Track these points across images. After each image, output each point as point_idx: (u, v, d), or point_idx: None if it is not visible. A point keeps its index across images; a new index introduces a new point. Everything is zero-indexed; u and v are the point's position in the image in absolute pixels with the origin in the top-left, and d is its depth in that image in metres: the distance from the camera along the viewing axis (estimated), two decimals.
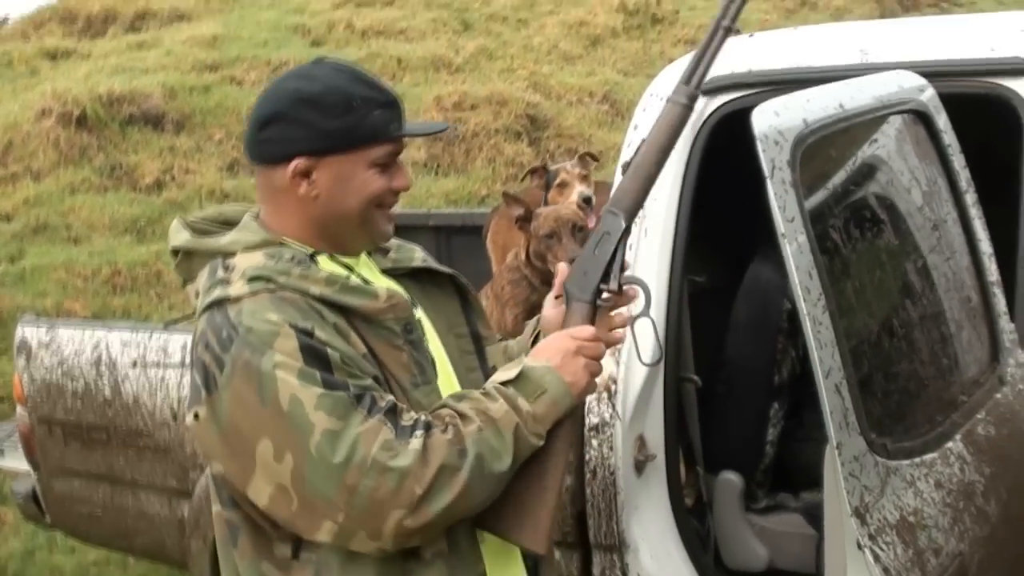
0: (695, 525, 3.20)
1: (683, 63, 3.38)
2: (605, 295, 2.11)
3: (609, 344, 2.10)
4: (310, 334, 1.85)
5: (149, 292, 9.08)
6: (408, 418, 1.84)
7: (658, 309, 3.04)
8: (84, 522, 4.48)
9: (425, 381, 1.98)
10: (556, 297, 2.16)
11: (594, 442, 3.06)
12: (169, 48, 13.49)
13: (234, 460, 1.87)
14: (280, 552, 1.92)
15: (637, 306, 2.12)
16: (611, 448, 3.05)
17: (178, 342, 3.95)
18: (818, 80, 2.94)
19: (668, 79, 3.30)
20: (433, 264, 2.19)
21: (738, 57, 3.14)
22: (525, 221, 3.73)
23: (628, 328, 2.13)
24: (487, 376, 2.11)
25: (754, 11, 14.73)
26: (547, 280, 3.54)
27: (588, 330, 2.04)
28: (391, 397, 1.87)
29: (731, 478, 3.30)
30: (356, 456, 1.78)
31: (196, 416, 1.90)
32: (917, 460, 2.24)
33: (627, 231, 2.11)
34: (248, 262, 1.96)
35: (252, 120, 2.03)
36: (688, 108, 2.15)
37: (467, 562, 1.95)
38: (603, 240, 2.12)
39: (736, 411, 3.41)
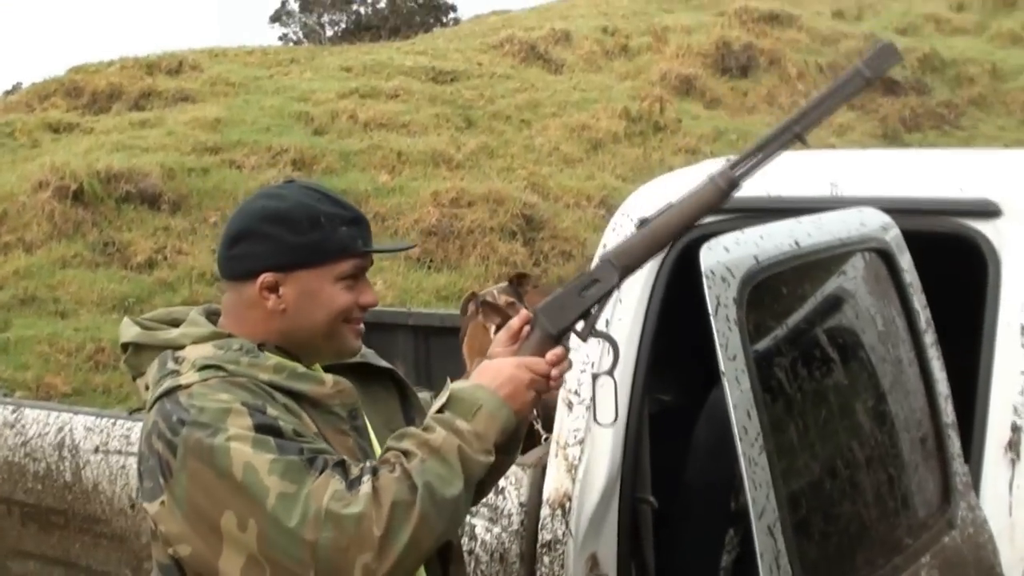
0: None
1: (658, 185, 3.43)
2: (572, 337, 2.14)
3: (556, 382, 2.13)
4: (262, 411, 1.90)
5: None
6: (356, 470, 1.88)
7: (618, 426, 3.04)
8: None
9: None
10: (521, 327, 2.18)
11: (546, 559, 3.03)
12: (171, 128, 13.64)
13: (201, 539, 1.89)
14: None
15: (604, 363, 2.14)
16: (562, 566, 3.03)
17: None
18: (788, 211, 2.98)
19: (641, 200, 3.33)
20: (372, 359, 2.25)
21: None
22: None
23: (587, 395, 2.16)
24: None
25: (758, 123, 14.90)
26: None
27: (542, 365, 2.09)
28: (342, 456, 1.91)
29: None
30: (310, 512, 1.81)
31: (162, 503, 1.92)
32: None
33: (616, 287, 2.15)
34: (197, 353, 2.02)
35: (223, 238, 2.10)
36: (725, 193, 2.15)
37: None
38: (592, 286, 2.15)
39: (692, 535, 3.38)
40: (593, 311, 2.15)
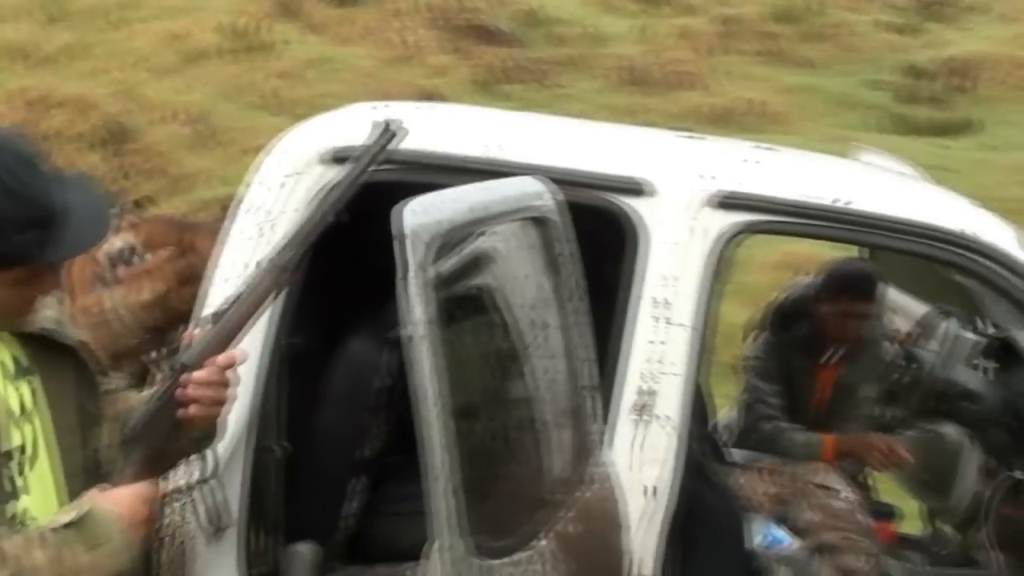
0: None
1: (306, 132, 3.34)
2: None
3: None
4: None
5: None
6: None
7: (250, 369, 2.99)
8: None
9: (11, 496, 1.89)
10: None
11: (176, 506, 2.95)
12: None
13: None
14: None
15: None
16: (187, 514, 2.96)
17: None
18: (453, 168, 3.02)
19: (291, 152, 3.21)
20: (56, 333, 2.06)
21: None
22: None
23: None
24: (89, 460, 2.04)
25: (360, 54, 14.88)
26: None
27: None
28: None
29: (301, 549, 3.27)
30: None
31: None
32: (510, 559, 2.33)
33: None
34: None
35: None
36: (281, 279, 2.15)
37: None
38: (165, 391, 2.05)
39: (317, 482, 3.38)
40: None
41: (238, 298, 2.12)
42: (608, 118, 12.72)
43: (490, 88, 14.79)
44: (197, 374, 2.01)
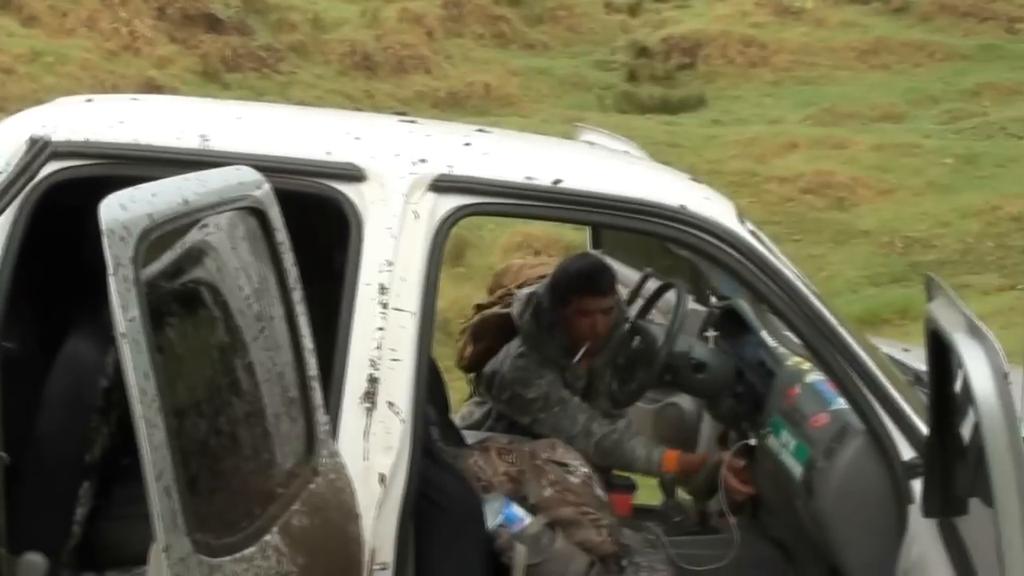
0: None
1: (9, 128, 3.22)
2: None
3: None
4: None
5: None
6: None
7: None
8: None
9: None
10: None
11: None
12: None
13: None
14: None
15: None
16: None
17: None
18: (158, 160, 2.97)
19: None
20: None
21: (78, 123, 3.10)
22: None
23: None
24: None
25: (75, 47, 14.35)
26: None
27: None
28: None
29: (35, 559, 3.16)
30: None
31: None
32: (238, 555, 2.29)
33: None
34: None
35: None
36: None
37: None
38: None
39: (43, 490, 3.27)
40: None
41: None
42: (337, 104, 12.69)
43: (216, 77, 14.52)
44: None
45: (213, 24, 15.68)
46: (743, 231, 3.19)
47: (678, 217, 3.16)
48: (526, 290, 4.37)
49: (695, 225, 3.16)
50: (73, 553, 3.28)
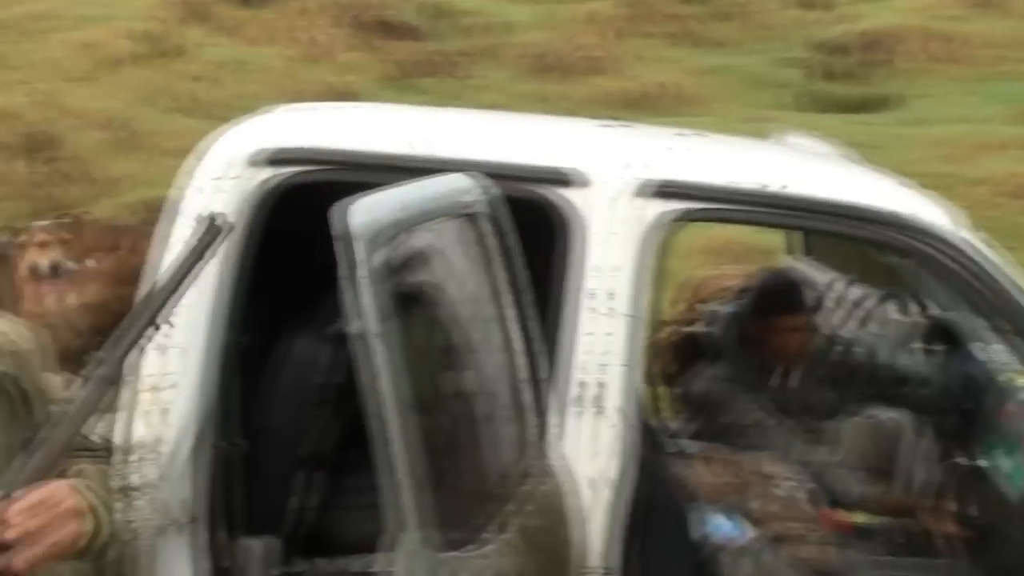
0: None
1: (230, 139, 3.36)
2: None
3: None
4: None
5: None
6: None
7: (208, 368, 3.05)
8: None
9: None
10: None
11: (135, 503, 2.97)
12: None
13: None
14: None
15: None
16: (142, 512, 2.98)
17: None
18: (379, 166, 3.06)
19: (221, 156, 3.21)
20: None
21: (303, 130, 3.22)
22: None
23: None
24: None
25: (274, 55, 14.77)
26: None
27: None
28: None
29: (253, 544, 3.30)
30: None
31: None
32: (462, 552, 2.37)
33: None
34: None
35: None
36: (106, 388, 2.08)
37: None
38: None
39: (263, 478, 3.40)
40: None
41: (64, 415, 2.01)
42: (522, 107, 12.75)
43: (402, 83, 14.74)
44: (18, 505, 1.85)
45: (397, 31, 15.90)
46: (977, 242, 3.11)
47: (895, 222, 3.08)
48: (725, 309, 4.32)
49: (913, 231, 3.08)
50: (304, 539, 3.41)
